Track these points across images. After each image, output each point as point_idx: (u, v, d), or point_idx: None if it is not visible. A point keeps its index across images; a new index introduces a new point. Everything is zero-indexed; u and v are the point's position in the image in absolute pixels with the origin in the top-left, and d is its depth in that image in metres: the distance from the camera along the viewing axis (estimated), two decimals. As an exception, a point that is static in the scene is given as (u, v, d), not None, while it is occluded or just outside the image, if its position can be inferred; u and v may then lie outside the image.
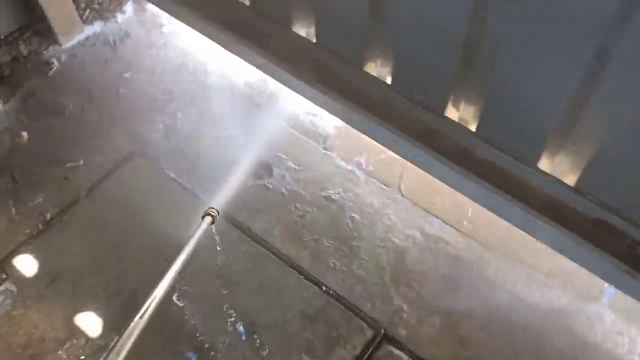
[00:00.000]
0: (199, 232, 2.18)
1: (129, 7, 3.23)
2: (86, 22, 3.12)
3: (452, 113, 2.22)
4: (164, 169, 2.68)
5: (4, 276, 2.39)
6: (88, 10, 3.10)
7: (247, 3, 2.60)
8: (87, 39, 3.15)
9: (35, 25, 3.04)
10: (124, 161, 2.70)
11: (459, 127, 2.20)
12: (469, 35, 1.86)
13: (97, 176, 2.66)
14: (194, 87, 2.98)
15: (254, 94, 2.92)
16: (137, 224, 2.53)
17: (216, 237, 2.43)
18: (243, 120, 2.85)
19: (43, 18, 2.97)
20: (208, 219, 2.24)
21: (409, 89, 2.23)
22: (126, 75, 3.03)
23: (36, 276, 2.39)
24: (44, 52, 3.04)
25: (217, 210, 2.27)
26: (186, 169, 2.68)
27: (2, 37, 2.95)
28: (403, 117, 2.27)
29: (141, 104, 2.92)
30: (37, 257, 2.44)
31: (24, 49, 2.98)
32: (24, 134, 2.81)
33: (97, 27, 3.17)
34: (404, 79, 2.24)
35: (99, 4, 3.12)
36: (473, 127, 2.17)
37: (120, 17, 3.22)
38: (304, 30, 2.50)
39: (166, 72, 3.04)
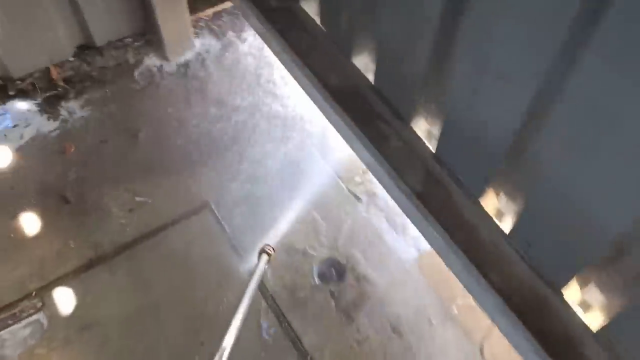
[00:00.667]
0: (258, 273, 2.13)
1: (249, 36, 3.03)
2: (198, 40, 2.98)
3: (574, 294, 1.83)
4: (229, 234, 2.48)
5: (40, 304, 2.28)
6: (205, 31, 2.94)
7: (372, 81, 2.31)
8: (195, 59, 3.00)
9: (148, 35, 2.94)
10: (194, 213, 2.52)
11: (575, 316, 1.81)
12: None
13: (163, 221, 2.49)
14: (290, 147, 2.76)
15: (348, 178, 2.66)
16: (185, 291, 2.35)
17: (266, 336, 2.20)
18: (329, 202, 2.60)
19: (156, 29, 2.85)
20: (265, 257, 2.18)
21: (525, 244, 1.86)
22: (218, 110, 2.85)
23: (70, 317, 2.26)
24: (148, 64, 2.93)
25: (272, 248, 2.20)
26: (252, 241, 2.45)
27: (113, 40, 2.88)
28: (507, 275, 1.90)
29: (229, 147, 2.73)
30: (77, 295, 2.32)
31: (131, 57, 2.89)
32: (70, 146, 2.69)
33: (208, 49, 3.01)
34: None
35: (218, 26, 2.95)
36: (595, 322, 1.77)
37: (235, 45, 3.04)
38: (425, 128, 2.18)
39: (265, 119, 2.84)
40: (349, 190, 2.63)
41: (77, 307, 2.28)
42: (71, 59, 2.83)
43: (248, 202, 2.57)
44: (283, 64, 2.68)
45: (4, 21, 2.46)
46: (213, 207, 2.54)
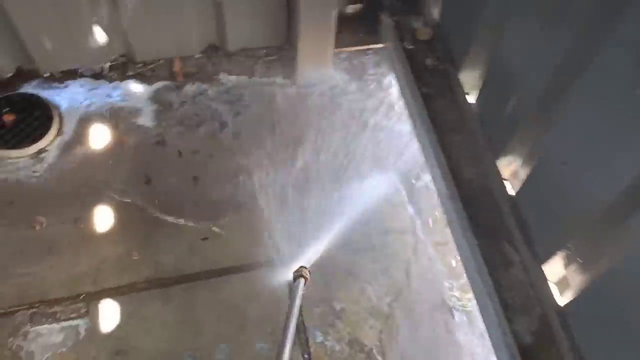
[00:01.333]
0: (298, 296, 1.91)
1: (391, 81, 2.71)
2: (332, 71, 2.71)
3: None
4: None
5: (84, 311, 2.16)
6: (343, 64, 2.67)
7: (513, 192, 1.94)
8: (318, 90, 2.71)
9: (283, 52, 2.74)
10: (266, 265, 2.29)
11: None
12: None
13: (231, 263, 2.28)
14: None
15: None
16: (231, 346, 2.13)
17: None
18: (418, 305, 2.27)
19: (294, 50, 2.63)
20: (301, 280, 1.98)
21: None
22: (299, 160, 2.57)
23: (107, 336, 2.11)
24: (273, 80, 2.71)
25: (309, 271, 2.02)
26: (318, 316, 2.20)
27: (246, 48, 2.71)
28: None
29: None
30: (123, 314, 2.17)
31: (258, 69, 2.69)
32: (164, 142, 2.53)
33: (337, 84, 2.72)
34: None
35: (359, 63, 2.67)
36: None
37: (367, 89, 2.73)
38: (560, 274, 1.79)
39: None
40: (443, 298, 2.28)
41: (117, 328, 2.13)
42: (198, 55, 2.70)
43: (325, 272, 2.30)
44: (417, 136, 2.37)
45: (140, 3, 2.37)
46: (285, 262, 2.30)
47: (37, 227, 2.31)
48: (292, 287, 2.02)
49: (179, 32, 2.57)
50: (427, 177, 2.51)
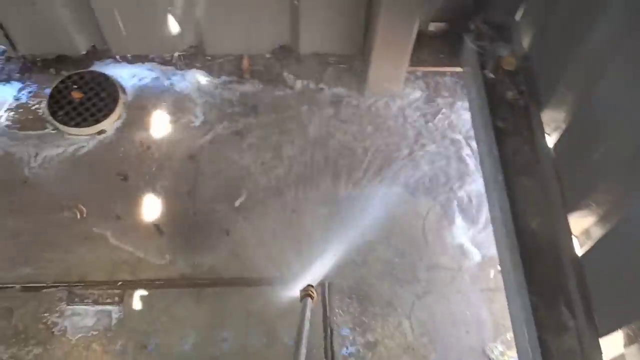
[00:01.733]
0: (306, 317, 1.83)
1: (464, 109, 2.58)
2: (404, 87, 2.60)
3: None
4: (329, 323, 2.15)
5: (117, 299, 2.18)
6: (417, 82, 2.54)
7: (579, 253, 1.76)
8: (384, 105, 2.60)
9: (355, 62, 2.64)
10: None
11: None
12: None
13: (269, 274, 2.22)
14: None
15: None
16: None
17: None
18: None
19: (366, 61, 2.53)
20: (308, 300, 1.91)
21: None
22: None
23: (137, 327, 2.13)
24: (339, 89, 2.61)
25: (314, 289, 1.94)
26: (348, 340, 2.11)
27: (318, 53, 2.64)
28: None
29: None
30: (155, 308, 2.17)
31: (326, 75, 2.61)
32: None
33: (407, 103, 2.60)
34: None
35: (434, 84, 2.54)
36: None
37: (436, 112, 2.59)
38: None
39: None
40: (484, 349, 2.14)
41: (148, 322, 2.14)
42: (268, 55, 2.66)
43: (365, 298, 2.22)
44: (482, 171, 2.21)
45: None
46: (327, 287, 2.23)
47: (79, 215, 2.34)
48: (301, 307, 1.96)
49: (251, 30, 2.54)
50: (485, 215, 2.38)
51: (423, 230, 2.33)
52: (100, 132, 2.52)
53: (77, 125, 2.49)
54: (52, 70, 2.65)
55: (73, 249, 2.27)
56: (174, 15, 2.45)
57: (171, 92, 2.62)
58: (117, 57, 2.67)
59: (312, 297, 1.93)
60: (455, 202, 2.40)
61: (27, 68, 2.67)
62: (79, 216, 2.34)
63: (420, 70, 2.55)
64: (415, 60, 2.46)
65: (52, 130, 2.51)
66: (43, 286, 2.21)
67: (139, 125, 2.55)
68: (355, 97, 2.61)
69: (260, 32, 2.56)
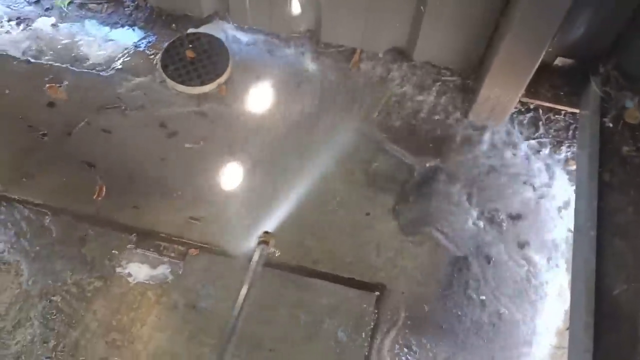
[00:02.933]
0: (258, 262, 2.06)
1: (571, 154, 2.45)
2: (511, 118, 2.51)
3: None
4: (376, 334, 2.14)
5: (180, 256, 2.27)
6: (526, 116, 2.44)
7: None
8: (478, 132, 2.52)
9: (464, 80, 2.60)
10: (367, 287, 2.21)
11: None
12: None
13: (342, 272, 2.25)
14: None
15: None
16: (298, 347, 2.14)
17: None
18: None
19: (477, 82, 2.49)
20: (263, 247, 2.12)
21: None
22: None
23: (192, 288, 2.22)
24: (443, 104, 2.56)
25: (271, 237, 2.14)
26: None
27: (431, 63, 2.61)
28: None
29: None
30: (212, 274, 2.24)
31: (435, 87, 2.57)
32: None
33: (509, 136, 2.50)
34: None
35: (545, 120, 2.42)
36: None
37: (543, 149, 2.47)
38: None
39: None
40: None
41: (203, 284, 2.23)
42: (380, 54, 2.67)
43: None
44: (574, 223, 2.09)
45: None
46: (386, 293, 2.23)
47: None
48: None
49: (370, 26, 2.56)
50: (562, 267, 2.27)
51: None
52: (202, 95, 2.62)
53: (182, 82, 2.62)
54: (173, 26, 2.82)
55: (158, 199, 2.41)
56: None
57: (278, 69, 2.69)
58: (235, 25, 2.77)
59: (267, 244, 2.11)
60: (534, 253, 2.30)
61: (152, 20, 2.86)
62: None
63: (534, 103, 2.46)
64: (531, 92, 2.39)
65: (160, 81, 2.66)
66: (118, 225, 2.36)
67: (238, 96, 2.64)
68: (456, 115, 2.56)
69: (378, 30, 2.58)
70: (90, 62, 2.76)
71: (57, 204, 2.41)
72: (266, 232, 2.20)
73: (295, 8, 2.59)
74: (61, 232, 2.36)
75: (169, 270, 2.28)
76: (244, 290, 1.99)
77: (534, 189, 2.43)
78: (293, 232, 2.36)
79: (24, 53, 2.78)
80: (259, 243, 2.16)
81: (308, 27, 2.73)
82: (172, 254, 2.31)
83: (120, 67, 2.73)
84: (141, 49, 2.78)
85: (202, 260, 2.30)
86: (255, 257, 2.08)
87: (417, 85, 2.64)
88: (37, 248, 2.32)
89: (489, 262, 2.28)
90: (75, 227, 2.37)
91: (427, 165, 2.49)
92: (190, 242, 2.33)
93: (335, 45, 2.73)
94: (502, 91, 2.37)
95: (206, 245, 2.33)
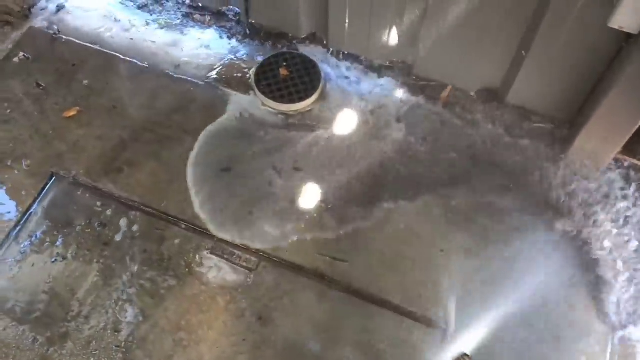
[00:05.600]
0: None
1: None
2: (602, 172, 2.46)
3: None
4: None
5: (254, 266, 2.35)
6: (618, 172, 2.41)
7: None
8: (562, 184, 2.48)
9: (561, 128, 2.58)
10: (423, 321, 2.22)
11: None
12: None
13: (396, 300, 2.27)
14: None
15: None
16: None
17: None
18: None
19: (574, 131, 2.47)
20: None
21: None
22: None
23: (259, 299, 2.28)
24: (536, 152, 2.56)
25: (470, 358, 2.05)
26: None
27: (526, 108, 2.62)
28: None
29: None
30: (279, 289, 2.30)
31: (525, 133, 2.58)
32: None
33: (594, 191, 2.45)
34: None
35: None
36: None
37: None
38: None
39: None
40: None
41: (272, 297, 2.30)
42: (472, 94, 2.72)
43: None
44: None
45: (446, 26, 2.43)
46: (448, 331, 2.23)
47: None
48: None
49: (465, 65, 2.61)
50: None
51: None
52: (289, 115, 2.72)
53: (273, 98, 2.74)
54: (269, 43, 2.95)
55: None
56: (398, 27, 2.60)
57: (368, 96, 2.76)
58: (331, 49, 2.88)
59: None
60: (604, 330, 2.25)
61: (251, 34, 3.00)
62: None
63: (629, 160, 2.43)
64: (628, 150, 2.36)
65: (251, 95, 2.79)
66: (196, 229, 2.47)
67: (327, 119, 2.72)
68: (548, 164, 2.54)
69: (472, 69, 2.62)
70: (188, 70, 2.91)
71: (143, 200, 2.55)
72: (466, 355, 2.15)
73: (393, 38, 2.67)
74: (144, 228, 2.48)
75: (241, 278, 2.36)
76: None
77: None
78: (365, 258, 2.40)
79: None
80: None
81: (402, 59, 2.79)
82: (245, 263, 2.39)
83: (215, 76, 2.87)
84: (237, 61, 2.92)
85: (273, 273, 2.37)
86: None
87: (507, 129, 2.64)
88: (119, 240, 2.45)
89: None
90: (157, 225, 2.49)
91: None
92: (264, 254, 2.41)
93: (427, 78, 2.78)
94: (599, 145, 2.35)
95: (277, 259, 2.40)
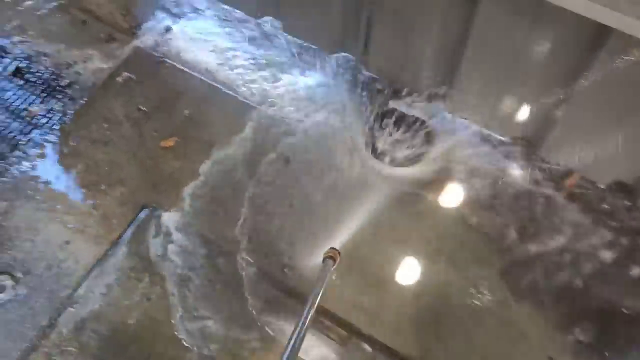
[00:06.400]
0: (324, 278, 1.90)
1: None
2: None
3: None
4: None
5: (340, 340, 2.23)
6: None
7: None
8: None
9: None
10: None
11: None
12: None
13: None
14: None
15: None
16: None
17: None
18: None
19: None
20: (329, 262, 1.98)
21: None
22: None
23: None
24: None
25: (338, 252, 2.00)
26: None
27: None
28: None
29: None
30: None
31: None
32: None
33: None
34: None
35: None
36: None
37: None
38: None
39: None
40: None
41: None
42: (601, 186, 2.50)
43: None
44: None
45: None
46: None
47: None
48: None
49: (599, 154, 2.36)
50: None
51: None
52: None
53: (378, 154, 2.63)
54: (385, 95, 2.78)
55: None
56: (531, 105, 2.42)
57: (484, 169, 2.62)
58: (450, 112, 2.70)
59: (334, 260, 1.99)
60: None
61: (364, 85, 2.83)
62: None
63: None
64: None
65: (356, 147, 2.69)
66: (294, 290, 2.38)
67: (434, 183, 2.60)
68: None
69: (605, 160, 2.39)
70: (285, 109, 2.85)
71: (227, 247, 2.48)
72: (333, 248, 2.11)
73: (523, 115, 2.48)
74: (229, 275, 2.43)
75: (327, 350, 2.25)
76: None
77: None
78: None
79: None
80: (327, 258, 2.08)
81: (528, 137, 2.59)
82: (333, 335, 2.27)
83: (318, 119, 2.77)
84: (342, 108, 2.80)
85: (363, 352, 2.26)
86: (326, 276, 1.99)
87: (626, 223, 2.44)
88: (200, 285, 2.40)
89: None
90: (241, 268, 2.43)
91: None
92: (357, 330, 2.29)
93: (550, 161, 2.58)
94: None
95: (370, 337, 2.28)
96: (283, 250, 2.45)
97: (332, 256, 2.04)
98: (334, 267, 2.02)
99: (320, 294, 1.83)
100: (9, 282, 2.43)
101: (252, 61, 3.00)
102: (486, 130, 2.69)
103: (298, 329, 1.67)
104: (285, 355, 1.57)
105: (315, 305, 1.78)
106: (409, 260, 2.44)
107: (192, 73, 2.97)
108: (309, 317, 1.72)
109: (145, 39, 3.10)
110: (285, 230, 2.49)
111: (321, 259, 2.03)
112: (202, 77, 2.95)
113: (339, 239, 2.44)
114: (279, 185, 2.62)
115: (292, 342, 1.61)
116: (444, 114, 2.72)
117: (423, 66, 2.57)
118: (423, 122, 2.70)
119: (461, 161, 2.65)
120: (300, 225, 2.51)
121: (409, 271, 2.42)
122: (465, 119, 2.70)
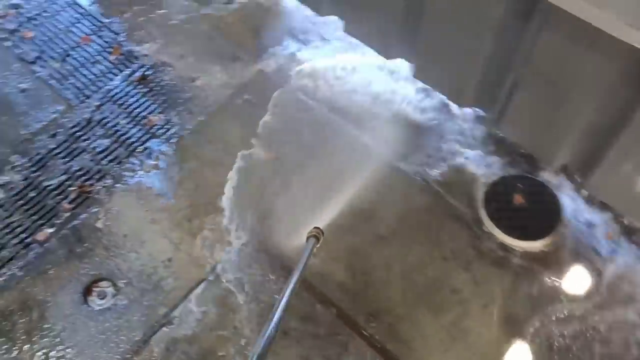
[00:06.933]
0: (307, 256, 1.94)
1: None
2: None
3: None
4: None
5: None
6: None
7: None
8: None
9: None
10: None
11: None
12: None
13: None
14: None
15: None
16: None
17: None
18: None
19: None
20: (313, 241, 2.02)
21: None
22: None
23: None
24: None
25: (321, 231, 2.04)
26: None
27: None
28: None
29: None
30: None
31: None
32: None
33: None
34: None
35: None
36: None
37: None
38: None
39: None
40: None
41: None
42: None
43: None
44: None
45: None
46: None
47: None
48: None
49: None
50: None
51: None
52: (515, 251, 2.43)
53: (498, 226, 2.45)
54: (510, 160, 2.65)
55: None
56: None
57: (608, 260, 2.42)
58: (581, 191, 2.54)
59: (317, 239, 2.01)
60: None
61: (492, 144, 2.72)
62: None
63: None
64: None
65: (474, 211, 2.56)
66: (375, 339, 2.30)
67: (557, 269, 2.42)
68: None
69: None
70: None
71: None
72: (317, 227, 2.08)
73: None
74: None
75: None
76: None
77: None
78: None
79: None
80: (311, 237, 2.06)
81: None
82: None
83: (438, 177, 2.66)
84: (466, 167, 2.68)
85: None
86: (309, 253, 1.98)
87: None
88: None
89: None
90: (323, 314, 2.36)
91: None
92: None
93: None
94: None
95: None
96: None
97: (316, 235, 2.08)
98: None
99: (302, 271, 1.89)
100: (110, 290, 2.46)
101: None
102: (622, 215, 2.48)
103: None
104: (267, 330, 1.58)
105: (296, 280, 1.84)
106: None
107: (316, 106, 2.90)
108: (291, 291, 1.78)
109: (270, 62, 3.07)
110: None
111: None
112: (331, 115, 2.87)
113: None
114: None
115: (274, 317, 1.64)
116: (573, 189, 2.56)
117: (562, 139, 2.39)
118: (553, 195, 2.51)
119: (586, 247, 2.43)
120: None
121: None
122: (600, 201, 2.49)
